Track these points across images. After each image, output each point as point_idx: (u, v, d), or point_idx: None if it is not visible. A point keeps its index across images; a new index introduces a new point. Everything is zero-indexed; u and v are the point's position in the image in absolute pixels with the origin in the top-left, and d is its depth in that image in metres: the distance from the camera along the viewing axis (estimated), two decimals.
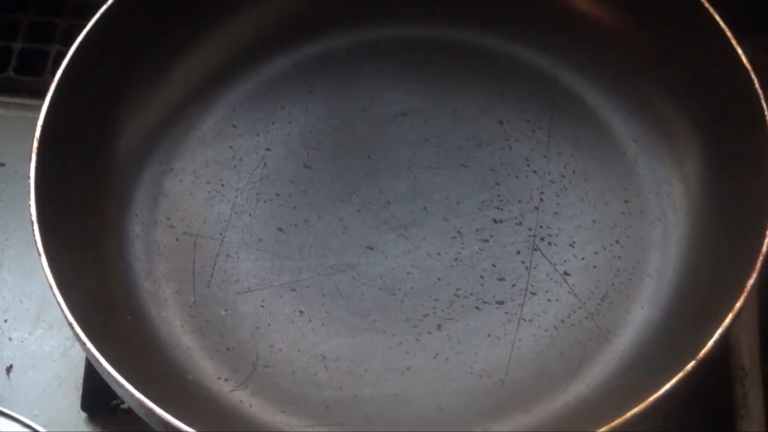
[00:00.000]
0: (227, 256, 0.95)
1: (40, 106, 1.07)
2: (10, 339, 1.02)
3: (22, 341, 1.02)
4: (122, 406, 0.96)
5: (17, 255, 1.06)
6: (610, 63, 1.01)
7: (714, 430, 0.95)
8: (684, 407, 0.89)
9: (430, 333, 0.90)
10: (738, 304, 0.82)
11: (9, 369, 1.00)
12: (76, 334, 0.83)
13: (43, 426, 0.92)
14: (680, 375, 0.79)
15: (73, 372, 0.99)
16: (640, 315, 0.90)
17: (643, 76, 1.00)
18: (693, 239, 0.92)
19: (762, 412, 0.94)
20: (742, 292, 0.82)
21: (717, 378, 0.94)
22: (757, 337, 0.97)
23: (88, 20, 0.96)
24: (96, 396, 0.96)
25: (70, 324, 0.84)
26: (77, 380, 0.98)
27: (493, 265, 0.92)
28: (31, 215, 0.88)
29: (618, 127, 1.00)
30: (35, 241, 0.87)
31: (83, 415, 0.98)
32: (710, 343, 0.81)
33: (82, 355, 0.96)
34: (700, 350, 0.80)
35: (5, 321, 1.03)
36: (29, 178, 0.89)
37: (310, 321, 0.92)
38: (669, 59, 0.98)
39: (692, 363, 0.80)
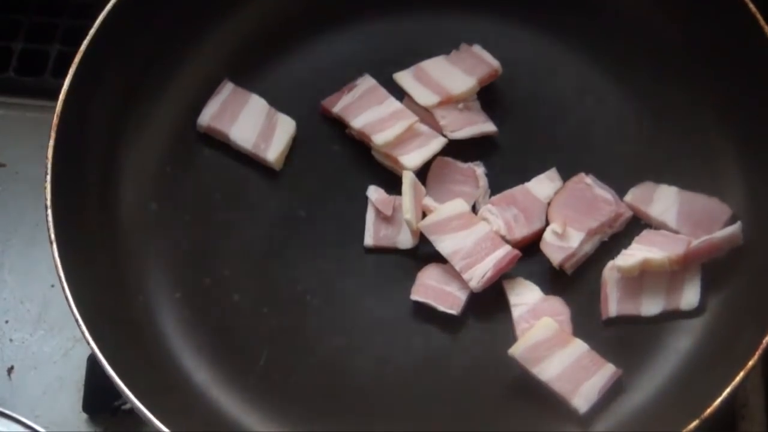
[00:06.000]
0: (246, 237, 0.99)
1: (41, 106, 1.12)
2: (11, 340, 1.06)
3: (23, 342, 1.05)
4: (123, 407, 1.00)
5: (18, 255, 1.09)
6: (653, 73, 1.03)
7: (715, 429, 0.94)
8: None
9: (443, 338, 0.95)
10: (751, 363, 0.85)
11: (10, 370, 1.04)
12: (78, 325, 0.88)
13: (45, 427, 0.96)
14: None
15: (74, 373, 1.03)
16: (663, 340, 0.94)
17: (687, 95, 1.02)
18: (710, 288, 0.95)
19: (763, 413, 0.99)
20: (756, 349, 0.86)
21: None
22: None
23: (89, 20, 1.00)
24: (97, 397, 1.00)
25: (76, 320, 0.88)
26: (78, 381, 1.02)
27: (515, 272, 0.96)
28: (45, 199, 0.92)
29: (657, 140, 1.01)
30: (47, 226, 0.91)
31: (84, 416, 1.02)
32: (716, 403, 0.84)
33: (84, 356, 1.01)
34: (706, 409, 0.84)
35: (6, 322, 1.06)
36: (47, 158, 0.93)
37: (322, 314, 0.96)
38: (713, 74, 1.00)
39: (695, 422, 0.84)
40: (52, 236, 0.91)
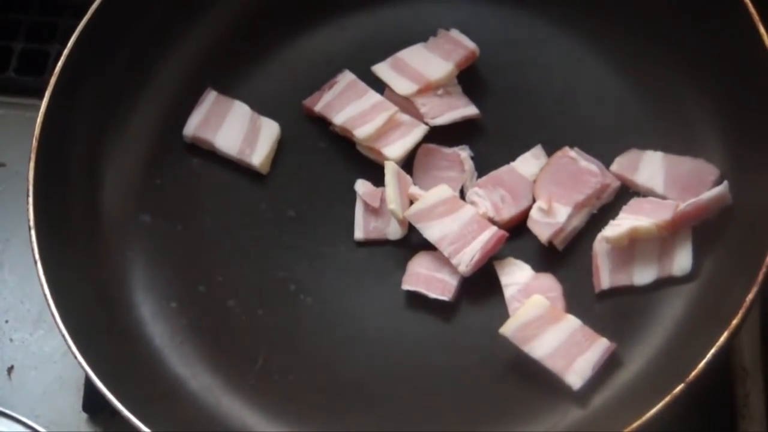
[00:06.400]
0: (236, 240, 1.00)
1: (41, 106, 1.14)
2: (11, 340, 1.07)
3: (23, 342, 1.07)
4: None
5: (18, 255, 1.10)
6: (631, 40, 1.03)
7: (715, 429, 0.99)
8: (686, 407, 0.89)
9: (437, 325, 0.96)
10: (735, 321, 0.85)
11: (10, 370, 1.05)
12: (64, 337, 0.90)
13: (45, 427, 0.97)
14: (668, 399, 0.83)
15: (74, 373, 1.04)
16: (657, 308, 0.93)
17: (663, 58, 1.02)
18: (700, 250, 0.94)
19: (763, 412, 0.99)
20: (739, 308, 0.85)
21: (718, 378, 0.98)
22: (759, 336, 1.01)
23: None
24: (97, 397, 0.97)
25: (63, 336, 0.90)
26: (78, 381, 1.03)
27: (506, 252, 0.97)
28: (28, 220, 0.94)
29: (636, 104, 1.01)
30: (32, 248, 0.93)
31: (84, 416, 1.03)
32: (702, 364, 0.84)
33: None
34: (691, 372, 0.84)
35: (6, 322, 1.08)
36: (28, 181, 0.96)
37: (314, 311, 0.97)
38: (693, 41, 1.00)
39: (681, 386, 0.84)
40: (36, 256, 0.93)
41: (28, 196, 0.95)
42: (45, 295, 0.91)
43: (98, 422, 1.03)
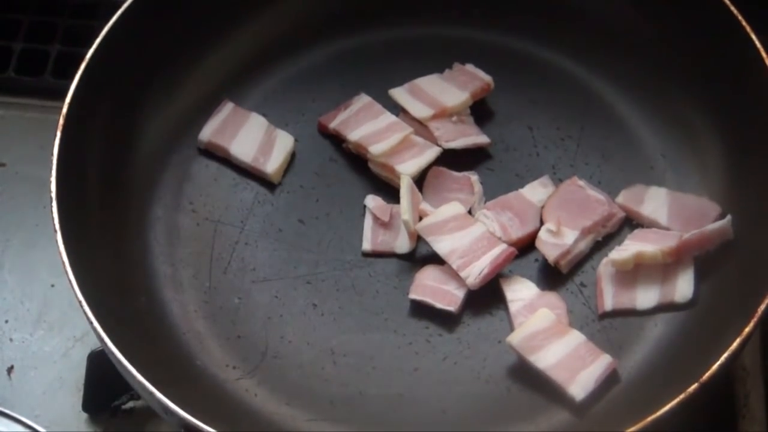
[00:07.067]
0: (246, 244, 1.02)
1: (41, 106, 1.13)
2: (11, 340, 1.07)
3: (23, 342, 1.07)
4: (123, 407, 1.02)
5: (18, 256, 1.11)
6: (645, 77, 1.07)
7: (715, 429, 1.00)
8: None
9: (440, 335, 0.97)
10: (747, 329, 0.87)
11: (10, 370, 1.05)
12: (85, 314, 0.89)
13: (45, 427, 0.97)
14: (682, 396, 0.85)
15: (74, 373, 1.04)
16: (653, 332, 0.97)
17: (676, 93, 1.06)
18: (713, 258, 0.97)
19: (763, 412, 1.01)
20: (752, 316, 0.87)
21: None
22: (759, 337, 1.02)
23: (89, 20, 1.04)
24: (97, 397, 1.02)
25: (79, 303, 0.89)
26: (78, 381, 1.03)
27: (510, 271, 0.99)
28: (50, 192, 0.93)
29: (648, 141, 1.06)
30: (52, 218, 0.92)
31: (84, 415, 1.03)
32: (715, 367, 0.86)
33: (83, 356, 1.02)
34: (705, 373, 0.86)
35: (6, 322, 1.08)
36: (52, 154, 0.95)
37: (322, 315, 0.98)
38: (704, 78, 1.04)
39: (695, 385, 0.85)
40: (57, 226, 0.93)
41: (51, 166, 0.95)
42: (63, 262, 0.91)
43: (98, 422, 1.03)
